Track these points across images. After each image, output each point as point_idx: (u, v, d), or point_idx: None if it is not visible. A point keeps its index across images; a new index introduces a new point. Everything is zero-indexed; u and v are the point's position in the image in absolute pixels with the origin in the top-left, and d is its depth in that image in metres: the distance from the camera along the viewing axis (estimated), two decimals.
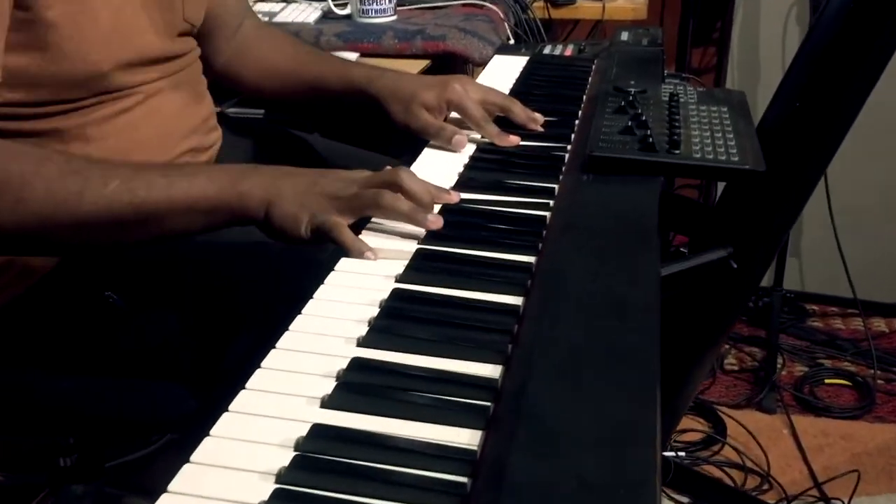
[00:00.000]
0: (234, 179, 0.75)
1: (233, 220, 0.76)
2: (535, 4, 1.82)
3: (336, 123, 1.51)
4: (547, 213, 0.79)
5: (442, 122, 0.99)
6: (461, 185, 0.85)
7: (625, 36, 1.39)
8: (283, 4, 1.68)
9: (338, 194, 0.74)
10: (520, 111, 1.00)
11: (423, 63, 1.48)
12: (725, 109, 0.98)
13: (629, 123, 0.90)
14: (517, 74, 1.24)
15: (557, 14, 1.82)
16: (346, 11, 1.62)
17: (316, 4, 1.66)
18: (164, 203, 0.74)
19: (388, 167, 0.77)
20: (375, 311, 0.63)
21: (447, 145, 0.97)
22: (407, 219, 0.74)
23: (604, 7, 1.80)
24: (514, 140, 0.97)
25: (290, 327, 0.62)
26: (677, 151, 0.85)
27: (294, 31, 1.53)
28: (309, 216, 0.74)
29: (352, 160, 1.19)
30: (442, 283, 0.67)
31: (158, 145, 0.93)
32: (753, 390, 1.83)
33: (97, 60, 0.85)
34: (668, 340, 0.61)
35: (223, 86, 1.20)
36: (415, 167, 0.92)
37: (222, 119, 1.17)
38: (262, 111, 1.60)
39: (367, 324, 0.61)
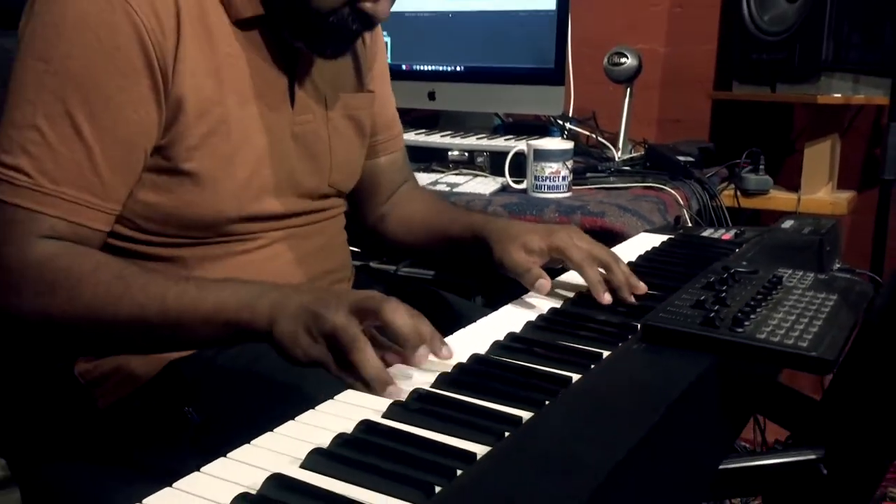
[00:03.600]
0: (253, 296, 0.79)
1: (245, 335, 0.79)
2: (725, 193, 1.78)
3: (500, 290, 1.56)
4: (577, 376, 0.76)
5: (531, 264, 1.00)
6: (512, 339, 0.85)
7: (788, 223, 1.33)
8: (469, 178, 1.79)
9: (325, 319, 0.74)
10: (619, 274, 0.98)
11: None
12: (834, 297, 0.89)
13: (703, 297, 0.85)
14: (649, 248, 1.22)
15: (748, 203, 1.77)
16: (523, 186, 1.69)
17: (498, 179, 1.75)
18: (190, 312, 0.80)
19: (377, 295, 0.76)
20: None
21: (531, 287, 0.97)
22: (365, 388, 0.72)
23: (799, 199, 1.72)
24: (607, 298, 0.95)
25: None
26: (739, 330, 0.78)
27: (467, 200, 1.62)
28: (303, 339, 0.75)
29: None
30: (420, 423, 0.66)
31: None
32: None
33: (227, 208, 0.96)
34: None
35: (370, 241, 1.29)
36: (491, 317, 0.93)
37: (367, 273, 1.25)
38: (432, 272, 1.69)
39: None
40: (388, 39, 2.11)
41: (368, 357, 0.72)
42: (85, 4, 0.85)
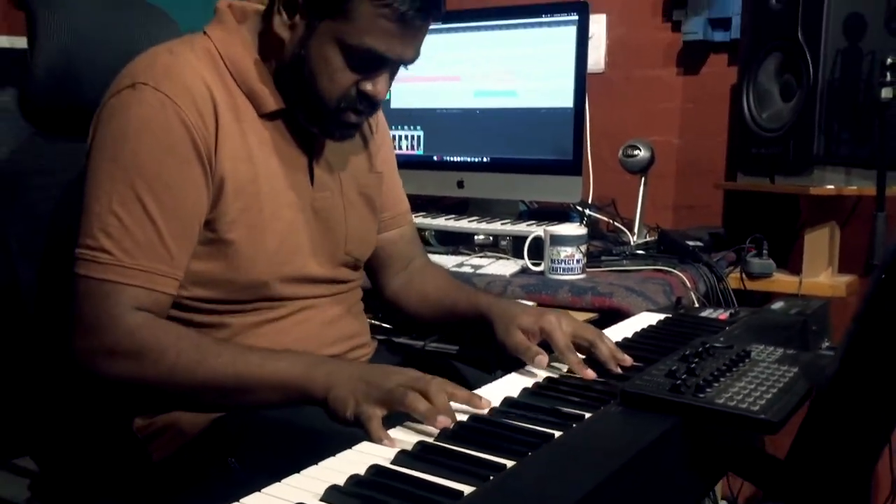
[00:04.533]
0: (309, 366, 0.96)
1: (302, 399, 0.95)
2: (732, 276, 1.90)
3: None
4: (559, 433, 0.88)
5: (530, 343, 1.13)
6: (507, 403, 0.98)
7: (777, 305, 1.44)
8: (492, 260, 1.94)
9: (379, 387, 0.91)
10: (604, 349, 1.11)
11: (591, 315, 1.63)
12: (795, 370, 1.01)
13: (675, 367, 0.98)
14: (646, 326, 1.34)
15: (753, 286, 1.88)
16: (540, 268, 1.83)
17: (519, 261, 1.89)
18: (257, 378, 0.97)
19: (427, 376, 0.92)
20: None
21: (531, 363, 1.11)
22: (423, 418, 0.88)
23: (800, 282, 1.83)
24: (589, 374, 1.08)
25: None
26: (701, 395, 0.91)
27: (488, 281, 1.77)
28: (354, 403, 0.91)
29: None
30: (421, 468, 0.79)
31: (298, 346, 1.17)
32: None
33: (261, 272, 1.13)
34: None
35: (388, 313, 1.44)
36: (496, 383, 1.07)
37: (388, 346, 1.40)
38: (456, 347, 1.82)
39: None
40: (421, 133, 2.30)
41: (422, 407, 0.89)
42: (143, 111, 1.05)
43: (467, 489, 0.75)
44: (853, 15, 1.69)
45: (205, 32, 1.16)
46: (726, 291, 1.85)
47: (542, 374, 1.10)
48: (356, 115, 1.16)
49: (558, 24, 2.08)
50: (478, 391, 1.04)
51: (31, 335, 1.25)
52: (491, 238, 2.07)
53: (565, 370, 1.12)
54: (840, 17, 1.69)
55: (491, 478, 0.76)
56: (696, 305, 1.79)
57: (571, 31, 2.06)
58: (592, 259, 1.90)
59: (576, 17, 2.05)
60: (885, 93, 1.58)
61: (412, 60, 1.14)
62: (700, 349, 1.06)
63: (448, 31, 2.25)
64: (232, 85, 1.13)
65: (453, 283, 1.39)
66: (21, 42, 2.77)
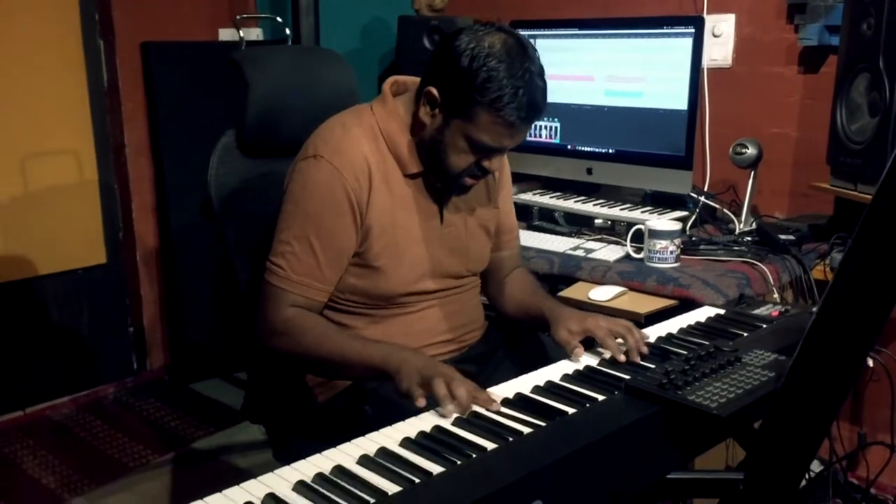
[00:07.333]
0: (389, 353, 1.40)
1: (382, 376, 1.39)
2: (817, 268, 2.15)
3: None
4: (573, 410, 1.27)
5: (572, 339, 1.51)
6: (547, 384, 1.38)
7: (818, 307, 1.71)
8: (604, 245, 2.30)
9: (426, 375, 1.32)
10: (631, 340, 1.47)
11: (672, 301, 1.97)
12: (769, 374, 1.33)
13: (672, 367, 1.33)
14: (692, 323, 1.67)
15: None
16: (641, 255, 2.17)
17: (624, 248, 2.23)
18: (357, 357, 1.43)
19: (458, 378, 1.31)
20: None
21: (571, 354, 1.49)
22: (441, 403, 1.27)
23: None
24: (620, 358, 1.45)
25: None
26: (679, 392, 1.26)
27: (593, 266, 2.14)
28: (407, 383, 1.33)
29: None
30: (418, 451, 1.19)
31: (421, 334, 1.62)
32: None
33: (396, 288, 1.58)
34: None
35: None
36: (546, 369, 1.46)
37: (494, 324, 1.82)
38: None
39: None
40: (558, 124, 2.66)
41: (453, 395, 1.27)
42: (318, 176, 1.51)
43: (491, 445, 1.17)
44: None
45: (371, 108, 1.59)
46: (809, 282, 2.10)
47: (584, 362, 1.48)
48: (472, 179, 1.57)
49: (678, 35, 2.35)
50: (534, 373, 1.45)
51: (244, 297, 1.78)
52: (609, 222, 2.43)
53: (596, 364, 1.49)
54: None
55: (510, 439, 1.18)
56: (775, 297, 2.07)
57: (688, 42, 2.33)
58: (692, 245, 2.21)
59: (692, 30, 2.32)
60: None
61: (516, 145, 1.54)
62: (704, 353, 1.40)
63: (586, 36, 2.57)
64: (385, 151, 1.56)
65: (532, 290, 1.77)
66: (233, 34, 3.35)
